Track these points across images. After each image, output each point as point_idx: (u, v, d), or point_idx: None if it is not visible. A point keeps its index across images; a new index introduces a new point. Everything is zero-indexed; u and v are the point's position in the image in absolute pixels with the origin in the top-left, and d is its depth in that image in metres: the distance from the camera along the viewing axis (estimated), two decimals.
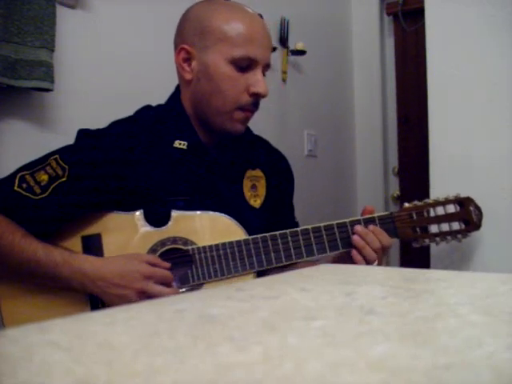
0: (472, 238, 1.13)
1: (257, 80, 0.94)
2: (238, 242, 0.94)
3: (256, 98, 0.96)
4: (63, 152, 0.93)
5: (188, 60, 0.97)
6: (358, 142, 2.47)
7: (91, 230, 0.93)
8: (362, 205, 1.05)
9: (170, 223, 0.93)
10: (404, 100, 2.41)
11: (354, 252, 0.96)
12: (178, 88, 1.03)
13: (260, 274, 0.96)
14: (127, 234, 0.93)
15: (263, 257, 0.94)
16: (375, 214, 0.99)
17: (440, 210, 1.02)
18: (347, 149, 2.44)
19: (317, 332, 0.29)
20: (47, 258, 0.86)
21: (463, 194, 1.03)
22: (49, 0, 1.08)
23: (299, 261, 0.97)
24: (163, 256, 0.93)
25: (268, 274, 0.95)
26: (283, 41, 1.94)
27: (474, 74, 1.19)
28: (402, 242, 2.26)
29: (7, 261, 0.88)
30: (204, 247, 0.93)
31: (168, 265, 0.91)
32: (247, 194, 1.04)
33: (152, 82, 1.37)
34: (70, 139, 0.96)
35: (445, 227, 1.01)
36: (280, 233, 0.95)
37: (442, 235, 1.01)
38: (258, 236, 0.95)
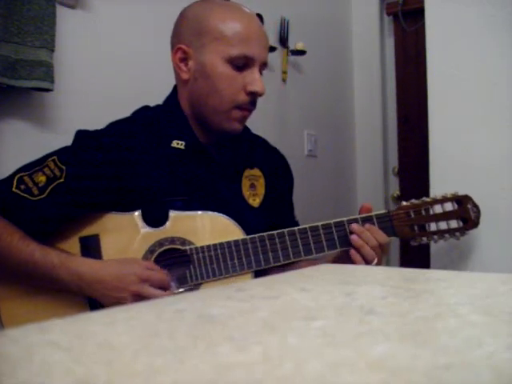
0: (472, 237, 1.13)
1: (254, 79, 0.94)
2: (236, 241, 0.94)
3: (253, 96, 0.96)
4: (61, 153, 0.93)
5: (185, 60, 0.97)
6: (358, 142, 2.47)
7: (89, 231, 0.93)
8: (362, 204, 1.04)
9: (167, 223, 0.93)
10: (404, 100, 2.41)
11: (353, 252, 0.96)
12: (175, 88, 1.03)
13: (259, 273, 0.96)
14: (125, 234, 0.93)
15: (261, 256, 0.94)
16: (373, 213, 0.99)
17: (438, 208, 1.02)
18: (347, 149, 2.44)
19: (317, 332, 0.29)
20: (44, 259, 0.86)
21: (462, 193, 1.03)
22: (49, 0, 1.08)
23: (297, 260, 0.97)
24: (161, 256, 0.93)
25: (267, 274, 0.95)
26: (283, 41, 1.94)
27: (474, 74, 1.19)
28: (402, 242, 2.26)
29: (5, 262, 0.88)
30: (202, 247, 0.93)
31: (164, 271, 0.91)
32: (246, 193, 1.04)
33: (152, 81, 1.37)
34: (70, 139, 0.96)
35: (443, 225, 1.01)
36: (278, 232, 0.95)
37: (440, 233, 1.01)
38: (256, 235, 0.94)
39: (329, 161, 2.27)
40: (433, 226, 1.02)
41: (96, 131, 0.96)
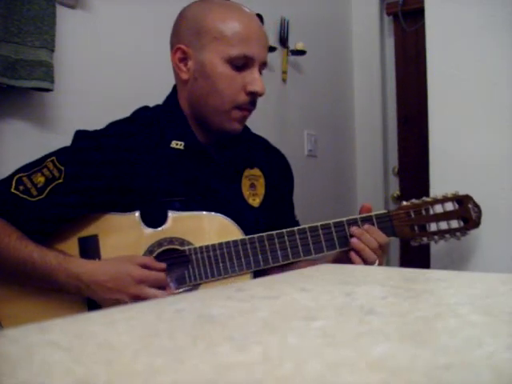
0: (472, 237, 1.13)
1: (253, 78, 0.94)
2: (235, 241, 0.94)
3: (253, 96, 0.96)
4: (60, 153, 0.93)
5: (184, 60, 0.97)
6: (358, 142, 2.47)
7: (88, 231, 0.93)
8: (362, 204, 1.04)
9: (166, 224, 0.93)
10: (404, 100, 2.41)
11: (353, 254, 0.95)
12: (174, 88, 1.03)
13: (258, 274, 0.96)
14: (124, 234, 0.93)
15: (260, 256, 0.94)
16: (372, 213, 0.99)
17: (438, 208, 1.01)
18: (347, 149, 2.44)
19: (317, 332, 0.29)
20: (42, 260, 0.86)
21: (462, 193, 1.03)
22: (49, 0, 1.08)
23: (296, 260, 0.97)
24: (160, 257, 0.93)
25: (266, 275, 0.95)
26: (283, 41, 1.94)
27: (474, 74, 1.19)
28: (402, 242, 2.26)
29: (3, 263, 0.88)
30: (201, 247, 0.93)
31: (163, 265, 0.91)
32: (246, 193, 1.03)
33: (152, 81, 1.37)
34: (70, 139, 0.96)
35: (443, 225, 1.01)
36: (277, 232, 0.95)
37: (441, 233, 1.01)
38: (255, 236, 0.94)
39: (329, 161, 2.27)
40: (433, 226, 1.01)
41: (95, 131, 0.96)
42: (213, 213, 0.95)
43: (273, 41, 1.86)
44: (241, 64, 0.94)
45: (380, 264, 0.97)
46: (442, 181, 1.22)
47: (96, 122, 0.98)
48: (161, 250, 0.93)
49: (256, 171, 1.06)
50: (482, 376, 0.21)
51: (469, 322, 0.31)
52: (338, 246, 0.97)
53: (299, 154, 2.07)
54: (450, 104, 1.22)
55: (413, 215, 1.00)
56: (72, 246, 0.93)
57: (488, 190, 1.13)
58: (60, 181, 0.90)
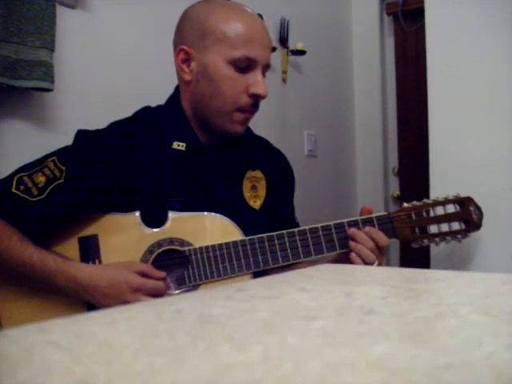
0: (472, 237, 1.12)
1: (256, 81, 0.94)
2: (235, 242, 0.93)
3: (255, 98, 0.95)
4: (61, 153, 0.93)
5: (187, 61, 0.96)
6: (358, 142, 2.47)
7: (88, 231, 0.93)
8: (362, 205, 1.04)
9: (166, 224, 0.93)
10: (404, 100, 2.41)
11: (353, 255, 0.95)
12: (177, 89, 1.03)
13: (258, 275, 0.96)
14: (124, 235, 0.93)
15: (260, 258, 0.94)
16: (373, 215, 0.98)
17: (439, 210, 1.01)
18: (347, 149, 2.44)
19: (317, 332, 0.29)
20: (42, 263, 0.86)
21: (463, 194, 1.03)
22: (49, 0, 1.08)
23: (296, 261, 0.96)
24: (160, 257, 0.93)
25: (267, 275, 0.95)
26: (283, 41, 1.94)
27: (474, 74, 1.19)
28: (402, 243, 2.26)
29: (3, 265, 0.88)
30: (200, 248, 0.93)
31: (162, 274, 0.91)
32: (247, 194, 1.03)
33: (152, 82, 1.37)
34: (70, 139, 0.96)
35: (444, 227, 1.01)
36: (277, 233, 0.95)
37: (442, 235, 1.00)
38: (255, 237, 0.94)
39: (329, 161, 2.27)
40: (434, 228, 1.01)
41: (96, 131, 0.96)
42: (213, 213, 0.94)
43: (273, 41, 1.86)
44: (244, 66, 0.93)
45: (379, 264, 0.96)
46: (442, 181, 1.22)
47: (96, 122, 0.98)
48: (160, 250, 0.93)
49: (257, 173, 1.06)
50: (482, 376, 0.21)
51: (469, 322, 0.31)
52: (338, 248, 0.96)
53: (299, 154, 2.07)
54: (450, 104, 1.22)
55: (414, 217, 0.99)
56: (72, 245, 0.93)
57: (488, 190, 1.13)
58: (61, 181, 0.90)
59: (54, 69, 1.09)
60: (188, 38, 0.96)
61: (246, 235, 0.95)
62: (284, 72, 1.96)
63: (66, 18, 1.19)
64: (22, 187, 0.89)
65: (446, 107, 1.22)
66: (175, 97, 1.02)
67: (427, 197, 1.07)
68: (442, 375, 0.22)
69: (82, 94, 1.24)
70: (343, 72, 2.42)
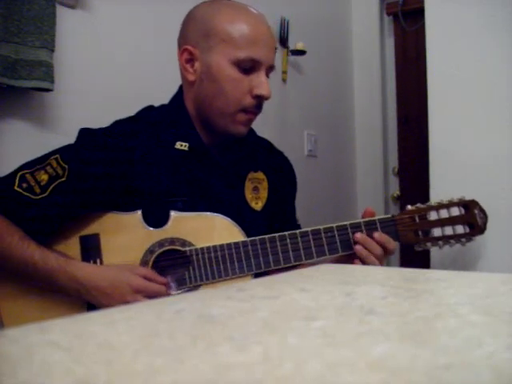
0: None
1: (260, 82, 0.93)
2: (236, 243, 0.93)
3: (259, 100, 0.95)
4: (64, 151, 0.93)
5: (191, 61, 0.96)
6: (358, 142, 2.47)
7: (89, 230, 0.93)
8: (362, 205, 1.04)
9: (168, 224, 0.93)
10: (404, 100, 2.41)
11: (357, 262, 0.95)
12: (180, 88, 1.03)
13: (260, 276, 0.95)
14: (125, 234, 0.93)
15: (261, 259, 0.93)
16: (376, 217, 0.97)
17: (444, 213, 0.99)
18: (347, 149, 2.44)
19: (317, 332, 0.29)
20: (44, 262, 0.86)
21: (463, 194, 1.03)
22: (49, 0, 1.08)
23: (298, 263, 0.96)
24: (161, 257, 0.93)
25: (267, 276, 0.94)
26: (283, 41, 1.94)
27: (474, 74, 1.19)
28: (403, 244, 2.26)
29: (5, 263, 0.88)
30: (202, 248, 0.93)
31: (164, 280, 0.91)
32: (248, 196, 1.03)
33: (152, 82, 1.37)
34: (69, 139, 0.96)
35: (448, 230, 0.99)
36: (279, 235, 0.94)
37: (446, 239, 0.99)
38: (257, 238, 0.94)
39: (329, 161, 2.27)
40: (438, 232, 0.99)
41: (100, 129, 0.96)
42: (215, 214, 0.94)
43: None
44: (248, 67, 0.93)
45: (380, 265, 0.96)
46: (442, 181, 1.22)
47: (96, 122, 0.98)
48: (162, 250, 0.93)
49: (260, 174, 1.06)
50: (482, 376, 0.21)
51: (469, 322, 0.31)
52: (340, 250, 0.95)
53: (299, 154, 2.07)
54: (450, 104, 1.22)
55: (417, 220, 0.98)
56: (73, 244, 0.93)
57: (488, 190, 1.13)
58: (63, 179, 0.90)
59: (54, 69, 1.09)
60: (192, 37, 0.95)
61: (247, 237, 0.94)
62: (284, 72, 1.96)
63: (66, 17, 1.19)
64: (24, 185, 0.89)
65: (446, 107, 1.22)
66: (178, 97, 1.02)
67: (427, 197, 1.07)
68: (442, 375, 0.22)
69: (82, 94, 1.24)
70: (343, 72, 2.42)
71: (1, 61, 1.01)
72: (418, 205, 1.00)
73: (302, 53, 1.99)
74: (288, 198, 1.14)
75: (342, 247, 0.96)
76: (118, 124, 0.97)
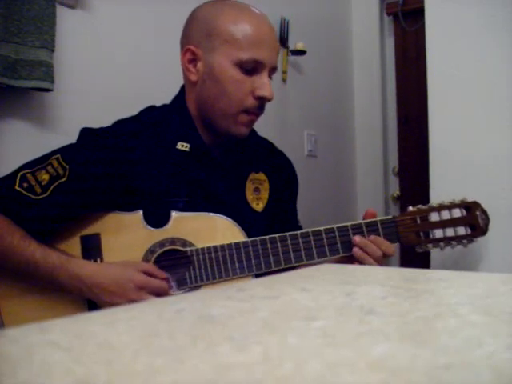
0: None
1: (263, 83, 0.93)
2: (237, 244, 0.93)
3: (261, 101, 0.95)
4: (65, 151, 0.93)
5: (194, 61, 0.96)
6: (358, 142, 2.47)
7: (90, 230, 0.93)
8: (362, 205, 1.04)
9: (169, 224, 0.93)
10: (404, 100, 2.41)
11: (356, 263, 0.95)
12: (182, 88, 1.02)
13: (259, 275, 0.95)
14: (126, 234, 0.93)
15: (262, 260, 0.93)
16: (377, 218, 0.97)
17: (445, 215, 0.99)
18: (347, 149, 2.44)
19: (317, 332, 0.29)
20: (45, 260, 0.86)
21: (463, 194, 1.03)
22: (49, 0, 1.08)
23: (299, 264, 0.96)
24: (161, 257, 0.93)
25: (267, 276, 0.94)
26: (283, 41, 1.94)
27: (474, 74, 1.19)
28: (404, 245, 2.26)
29: (6, 262, 0.88)
30: (202, 249, 0.93)
31: (165, 275, 0.91)
32: (249, 197, 1.03)
33: (152, 82, 1.37)
34: (69, 139, 0.96)
35: (449, 232, 0.99)
36: (280, 235, 0.94)
37: (447, 240, 0.98)
38: (257, 238, 0.94)
39: (329, 161, 2.27)
40: (439, 233, 0.99)
41: (101, 129, 0.96)
42: (216, 214, 0.94)
43: None
44: (250, 68, 0.93)
45: (380, 265, 0.96)
46: (442, 181, 1.22)
47: (96, 122, 0.98)
48: (162, 250, 0.93)
49: (261, 175, 1.05)
50: (482, 376, 0.21)
51: (469, 322, 0.31)
52: (341, 251, 0.95)
53: (299, 154, 2.07)
54: (450, 104, 1.22)
55: (419, 221, 0.98)
56: (74, 244, 0.93)
57: (488, 190, 1.13)
58: (64, 179, 0.90)
59: (54, 69, 1.09)
60: (195, 38, 0.95)
61: (248, 237, 0.94)
62: (284, 72, 1.96)
63: (66, 17, 1.19)
64: (25, 184, 0.89)
65: (446, 107, 1.22)
66: (180, 97, 1.01)
67: (427, 197, 1.06)
68: (442, 375, 0.22)
69: (82, 94, 1.24)
70: (343, 72, 2.42)
71: (1, 61, 1.01)
72: (420, 206, 1.00)
73: (302, 53, 1.99)
74: (289, 199, 1.14)
75: (342, 248, 0.95)
76: (119, 124, 0.97)
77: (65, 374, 0.22)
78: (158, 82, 1.34)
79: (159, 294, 0.89)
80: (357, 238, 0.95)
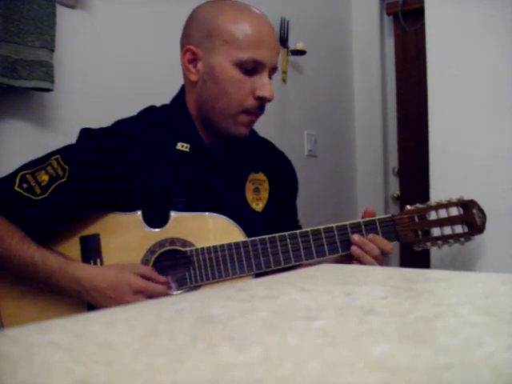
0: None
1: (263, 83, 0.93)
2: (237, 243, 0.93)
3: (261, 101, 0.95)
4: (64, 152, 0.93)
5: (194, 61, 0.96)
6: (358, 142, 2.47)
7: (90, 231, 0.93)
8: (362, 205, 1.04)
9: (168, 224, 0.93)
10: (404, 100, 2.41)
11: (355, 262, 0.95)
12: (182, 89, 1.02)
13: (259, 275, 0.95)
14: (126, 234, 0.93)
15: (261, 259, 0.93)
16: (376, 217, 0.98)
17: (443, 213, 1.00)
18: (347, 149, 2.44)
19: (317, 332, 0.29)
20: (44, 263, 0.86)
21: (463, 194, 1.03)
22: (49, 0, 1.08)
23: (298, 263, 0.96)
24: (161, 257, 0.93)
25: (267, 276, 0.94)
26: (283, 41, 1.94)
27: (474, 74, 1.19)
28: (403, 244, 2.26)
29: (5, 264, 0.87)
30: (202, 249, 0.93)
31: (163, 279, 0.91)
32: (249, 197, 1.03)
33: (152, 81, 1.37)
34: (69, 139, 0.96)
35: (447, 230, 1.00)
36: (279, 235, 0.94)
37: (445, 238, 0.99)
38: (257, 238, 0.94)
39: (329, 161, 2.27)
40: (437, 231, 1.00)
41: (101, 129, 0.96)
42: (215, 214, 0.94)
43: None
44: (250, 68, 0.92)
45: (379, 265, 0.96)
46: (442, 181, 1.22)
47: (96, 122, 0.98)
48: (162, 250, 0.93)
49: (261, 175, 1.05)
50: (482, 376, 0.21)
51: (469, 322, 0.31)
52: (340, 250, 0.96)
53: (299, 154, 2.07)
54: (450, 104, 1.22)
55: (417, 220, 0.98)
56: (73, 244, 0.92)
57: (488, 190, 1.13)
58: (64, 180, 0.90)
59: (54, 69, 1.09)
60: (195, 38, 0.95)
61: (248, 237, 0.94)
62: (284, 72, 1.96)
63: (66, 17, 1.19)
64: (24, 185, 0.89)
65: (446, 107, 1.22)
66: (180, 97, 1.01)
67: (427, 197, 1.07)
68: (442, 375, 0.22)
69: (82, 94, 1.24)
70: (343, 72, 2.42)
71: (1, 61, 1.01)
72: (418, 205, 1.01)
73: (302, 53, 1.99)
74: (289, 199, 1.14)
75: (341, 247, 0.96)
76: (119, 124, 0.97)
77: (65, 374, 0.22)
78: (158, 82, 1.34)
79: (156, 297, 0.89)
80: (355, 237, 0.95)
